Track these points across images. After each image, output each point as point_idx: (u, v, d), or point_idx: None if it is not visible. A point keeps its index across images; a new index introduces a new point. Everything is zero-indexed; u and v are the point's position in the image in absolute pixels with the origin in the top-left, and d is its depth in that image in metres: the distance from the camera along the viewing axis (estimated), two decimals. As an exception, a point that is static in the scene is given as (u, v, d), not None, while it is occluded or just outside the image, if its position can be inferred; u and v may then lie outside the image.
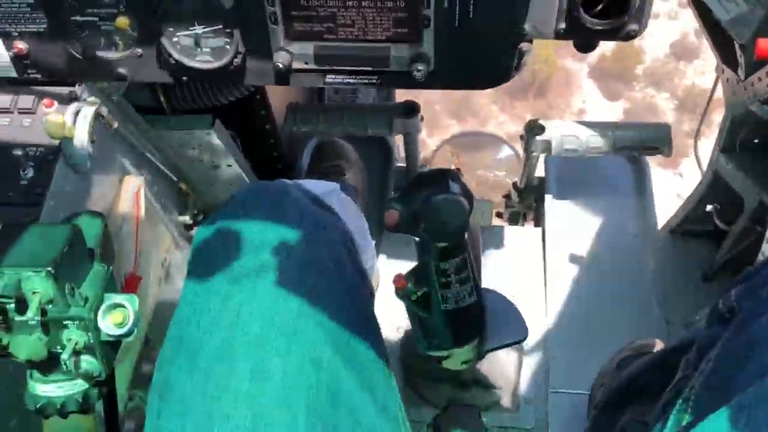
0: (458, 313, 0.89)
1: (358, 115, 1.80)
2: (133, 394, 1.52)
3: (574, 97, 3.84)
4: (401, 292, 0.85)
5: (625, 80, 3.94)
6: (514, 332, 1.12)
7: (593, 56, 3.84)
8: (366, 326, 0.94)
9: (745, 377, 0.74)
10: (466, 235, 0.84)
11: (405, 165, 2.20)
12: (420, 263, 0.87)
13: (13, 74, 1.20)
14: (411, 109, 1.82)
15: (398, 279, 0.84)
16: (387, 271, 1.78)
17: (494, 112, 3.78)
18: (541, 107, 3.82)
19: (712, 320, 0.96)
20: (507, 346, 1.10)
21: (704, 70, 4.10)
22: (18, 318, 0.77)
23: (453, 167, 2.94)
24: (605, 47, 3.89)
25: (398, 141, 2.23)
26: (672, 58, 4.06)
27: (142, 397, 1.54)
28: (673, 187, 3.57)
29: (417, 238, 0.85)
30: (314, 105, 1.89)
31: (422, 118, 1.88)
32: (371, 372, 0.91)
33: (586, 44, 1.11)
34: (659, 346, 1.56)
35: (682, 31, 4.05)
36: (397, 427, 0.91)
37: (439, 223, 0.79)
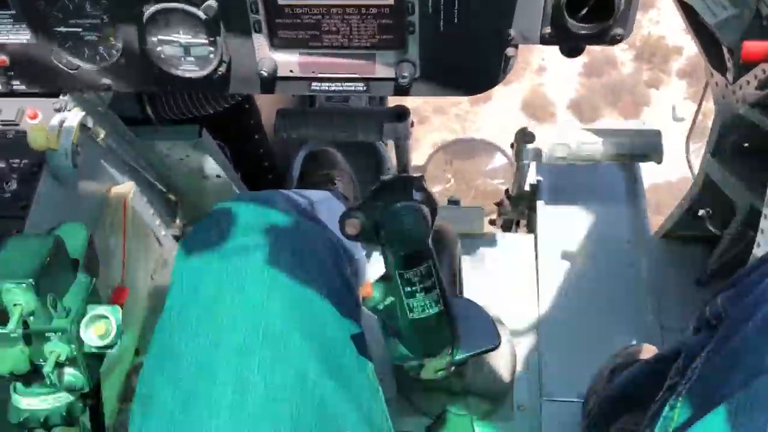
0: (425, 321, 0.87)
1: (348, 119, 1.80)
2: (124, 407, 1.51)
3: (534, 55, 3.89)
4: (368, 302, 0.83)
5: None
6: (486, 340, 1.09)
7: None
8: (352, 337, 0.93)
9: (730, 384, 0.73)
10: (430, 243, 0.82)
11: (396, 172, 2.20)
12: (385, 272, 0.85)
13: (-4, 85, 1.20)
14: (401, 114, 1.81)
15: (364, 288, 0.82)
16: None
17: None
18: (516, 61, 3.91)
19: (699, 327, 0.95)
20: (479, 354, 1.09)
21: (659, 19, 4.23)
22: None
23: (447, 175, 2.94)
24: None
25: (389, 149, 2.22)
26: (628, 9, 4.26)
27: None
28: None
29: (380, 247, 0.83)
30: (304, 109, 1.89)
31: (413, 123, 1.88)
32: (357, 384, 0.90)
33: (572, 49, 1.11)
34: (648, 351, 1.55)
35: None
36: (382, 433, 0.90)
37: (400, 231, 0.77)
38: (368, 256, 1.78)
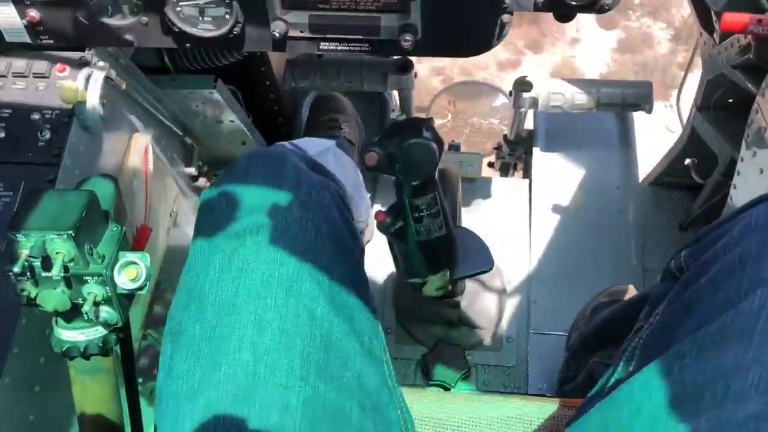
0: (430, 243, 1.00)
1: (354, 70, 1.87)
2: (147, 334, 1.63)
3: (569, 25, 3.80)
4: (381, 226, 0.96)
5: (622, 9, 3.86)
6: (481, 263, 1.24)
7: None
8: (355, 280, 1.04)
9: (683, 331, 0.83)
10: (436, 175, 0.94)
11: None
12: (397, 200, 0.97)
13: (27, 40, 1.28)
14: (405, 66, 1.88)
15: (378, 214, 0.95)
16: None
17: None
18: (533, 35, 3.76)
19: (664, 277, 1.06)
20: (475, 275, 1.23)
21: None
22: (44, 274, 0.88)
23: (449, 115, 3.01)
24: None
25: (395, 95, 2.29)
26: (671, -14, 4.08)
27: (154, 335, 1.66)
28: (663, 119, 3.63)
29: (393, 178, 0.96)
30: (312, 61, 1.95)
31: (416, 74, 1.95)
32: (359, 321, 1.01)
33: (563, 15, 1.19)
34: (630, 292, 1.67)
35: (681, -41, 4.06)
36: (380, 368, 1.02)
37: (411, 163, 0.90)
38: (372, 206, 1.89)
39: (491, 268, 1.25)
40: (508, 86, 1.98)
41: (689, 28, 3.99)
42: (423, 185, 0.94)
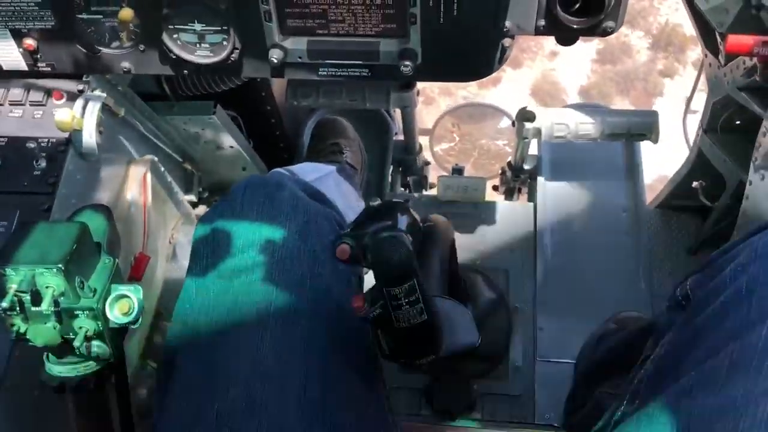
0: (410, 330, 0.97)
1: (357, 89, 1.85)
2: (145, 363, 1.61)
3: (546, 39, 3.81)
4: (359, 313, 0.92)
5: (599, 19, 3.93)
6: (467, 339, 1.19)
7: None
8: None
9: (689, 362, 0.81)
10: (414, 264, 0.90)
11: (403, 138, 2.27)
12: (375, 287, 0.94)
13: (24, 68, 1.27)
14: (407, 84, 1.86)
15: (356, 300, 0.91)
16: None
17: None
18: (512, 51, 3.81)
19: (670, 306, 1.03)
20: (460, 353, 1.18)
21: (678, 6, 4.03)
22: (34, 309, 0.85)
23: (455, 137, 3.00)
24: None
25: (397, 115, 2.28)
26: (646, -5, 4.08)
27: (153, 365, 1.63)
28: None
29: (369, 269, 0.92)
30: (314, 79, 1.94)
31: (418, 92, 1.93)
32: (357, 351, 0.99)
33: (565, 39, 1.17)
34: (637, 319, 1.63)
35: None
36: (380, 402, 1.00)
37: (383, 259, 0.86)
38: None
39: (477, 343, 1.21)
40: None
41: (666, 35, 3.98)
42: (400, 276, 0.91)
